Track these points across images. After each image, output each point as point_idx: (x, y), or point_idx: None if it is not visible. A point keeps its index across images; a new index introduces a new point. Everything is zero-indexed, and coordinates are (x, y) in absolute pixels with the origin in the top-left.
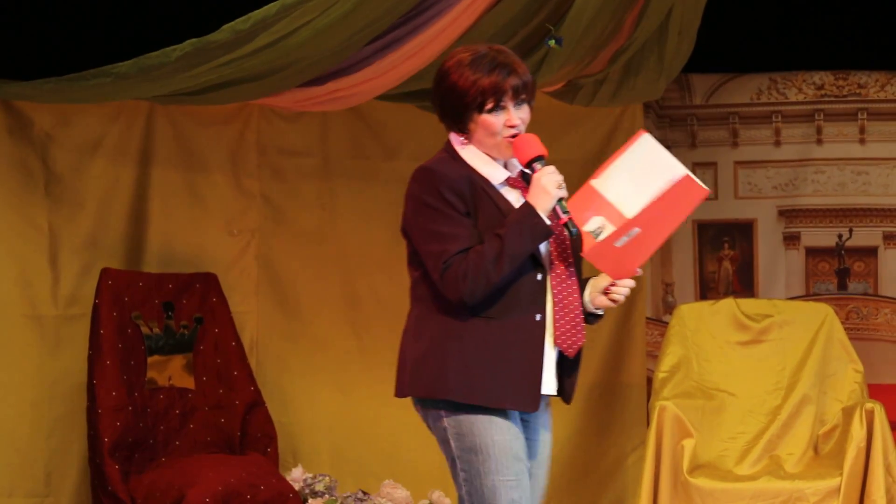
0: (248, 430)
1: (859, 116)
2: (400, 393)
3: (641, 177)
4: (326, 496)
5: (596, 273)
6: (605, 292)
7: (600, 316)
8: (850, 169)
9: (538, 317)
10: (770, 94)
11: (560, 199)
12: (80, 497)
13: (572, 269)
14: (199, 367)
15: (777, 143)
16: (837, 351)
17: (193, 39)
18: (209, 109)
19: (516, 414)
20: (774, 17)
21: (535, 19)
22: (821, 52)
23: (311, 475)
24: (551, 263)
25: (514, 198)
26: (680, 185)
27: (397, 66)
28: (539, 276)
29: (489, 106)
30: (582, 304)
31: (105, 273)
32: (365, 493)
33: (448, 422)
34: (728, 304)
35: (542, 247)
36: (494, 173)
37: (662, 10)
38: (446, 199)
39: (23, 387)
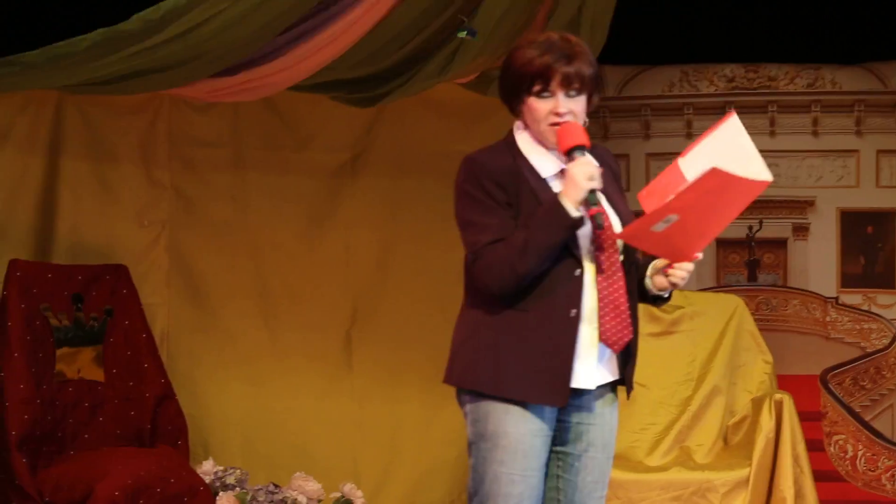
0: (159, 423)
1: (769, 109)
2: (444, 379)
3: (719, 159)
4: (237, 489)
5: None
6: (665, 273)
7: (666, 298)
8: None
9: (573, 312)
10: (682, 87)
11: (592, 191)
12: None
13: (619, 265)
14: (108, 360)
15: (688, 135)
16: (747, 342)
17: (103, 29)
18: (119, 99)
19: (544, 409)
20: (686, 9)
21: (448, 10)
22: (732, 44)
23: (221, 468)
24: (596, 259)
25: None
26: (712, 178)
27: (309, 57)
28: (577, 272)
29: (536, 89)
30: (630, 297)
31: (13, 264)
32: (276, 485)
33: (469, 407)
34: None
35: (584, 242)
36: (545, 165)
37: (575, 2)
38: (485, 188)
39: None
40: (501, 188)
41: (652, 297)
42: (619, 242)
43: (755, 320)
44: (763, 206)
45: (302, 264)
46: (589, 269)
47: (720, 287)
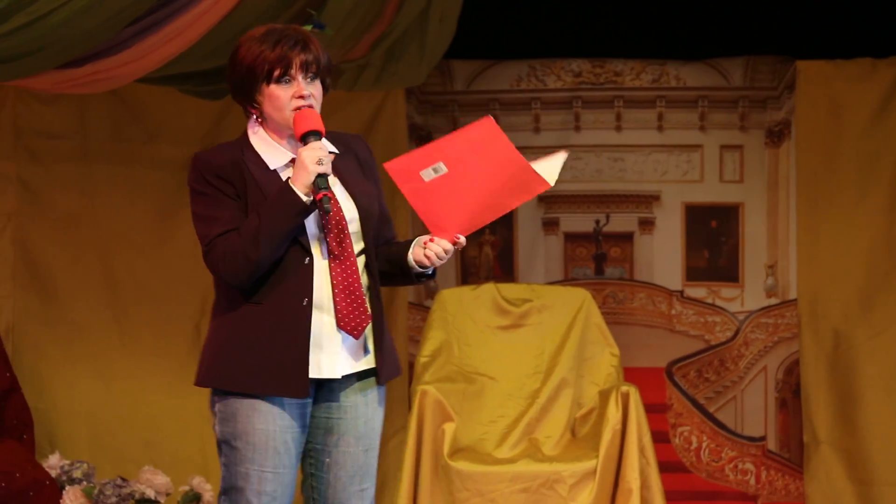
0: (4, 417)
1: (615, 104)
2: (194, 381)
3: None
4: (84, 483)
5: None
6: (424, 245)
7: (428, 275)
8: (606, 155)
9: (305, 301)
10: (529, 81)
11: (321, 176)
12: None
13: (351, 249)
14: None
15: (536, 130)
16: (594, 335)
17: None
18: None
19: (293, 403)
20: (533, 4)
21: (297, 3)
22: (579, 39)
23: (68, 462)
24: (327, 245)
25: None
26: (483, 127)
27: (157, 49)
28: (306, 260)
29: (276, 75)
30: (372, 281)
31: None
32: (124, 479)
33: (218, 407)
34: (489, 288)
35: (313, 230)
36: (276, 156)
37: None
38: (211, 182)
39: None
40: (227, 182)
41: (415, 275)
42: (355, 227)
43: (602, 313)
44: (610, 200)
45: (151, 257)
46: (319, 255)
47: (568, 280)
